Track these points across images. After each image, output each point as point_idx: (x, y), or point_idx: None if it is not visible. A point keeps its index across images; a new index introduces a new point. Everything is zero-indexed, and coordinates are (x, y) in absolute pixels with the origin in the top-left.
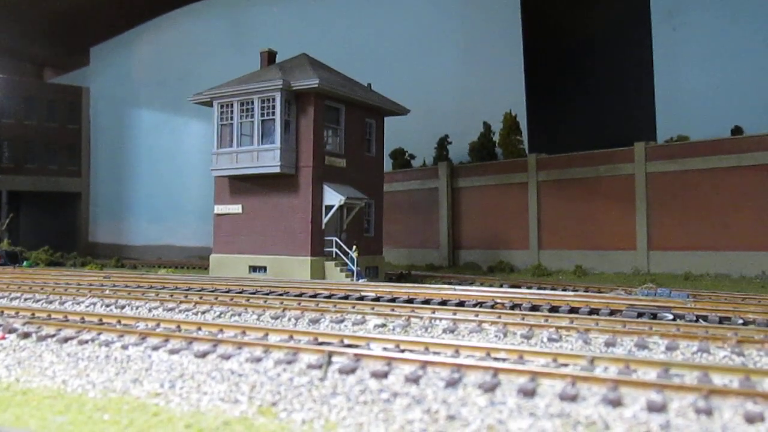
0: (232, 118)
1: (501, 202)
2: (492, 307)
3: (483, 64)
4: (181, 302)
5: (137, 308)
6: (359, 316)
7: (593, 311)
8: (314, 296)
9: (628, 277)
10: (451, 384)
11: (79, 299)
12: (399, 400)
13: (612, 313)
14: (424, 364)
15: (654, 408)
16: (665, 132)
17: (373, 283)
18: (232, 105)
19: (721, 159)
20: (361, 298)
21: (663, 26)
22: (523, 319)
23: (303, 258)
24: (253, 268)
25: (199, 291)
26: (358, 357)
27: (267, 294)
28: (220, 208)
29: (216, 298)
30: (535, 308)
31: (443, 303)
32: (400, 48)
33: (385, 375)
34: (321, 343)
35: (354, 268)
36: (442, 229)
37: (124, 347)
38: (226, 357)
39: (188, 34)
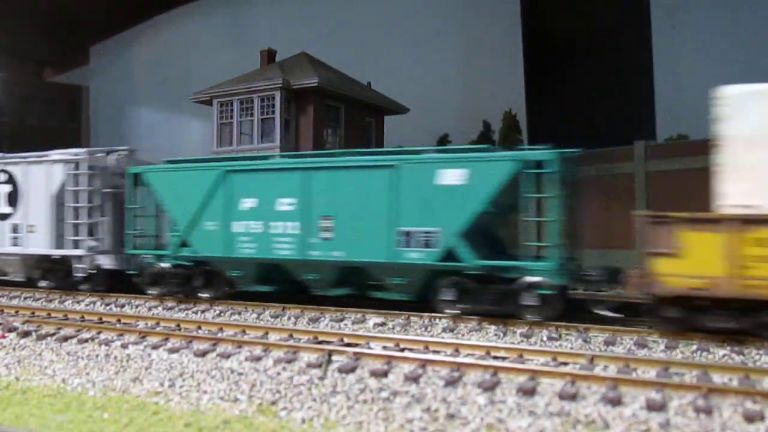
0: (231, 117)
1: None
2: None
3: (483, 63)
4: (180, 301)
5: (137, 307)
6: (359, 315)
7: None
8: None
9: None
10: (451, 383)
11: (79, 298)
12: (399, 399)
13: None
14: (424, 363)
15: (653, 407)
16: (665, 131)
17: None
18: (231, 104)
19: None
20: None
21: (663, 25)
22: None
23: None
24: None
25: None
26: (357, 356)
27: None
28: None
29: None
30: None
31: None
32: (400, 47)
33: (384, 374)
34: (321, 342)
35: None
36: None
37: (124, 346)
38: (226, 356)
39: (188, 32)
